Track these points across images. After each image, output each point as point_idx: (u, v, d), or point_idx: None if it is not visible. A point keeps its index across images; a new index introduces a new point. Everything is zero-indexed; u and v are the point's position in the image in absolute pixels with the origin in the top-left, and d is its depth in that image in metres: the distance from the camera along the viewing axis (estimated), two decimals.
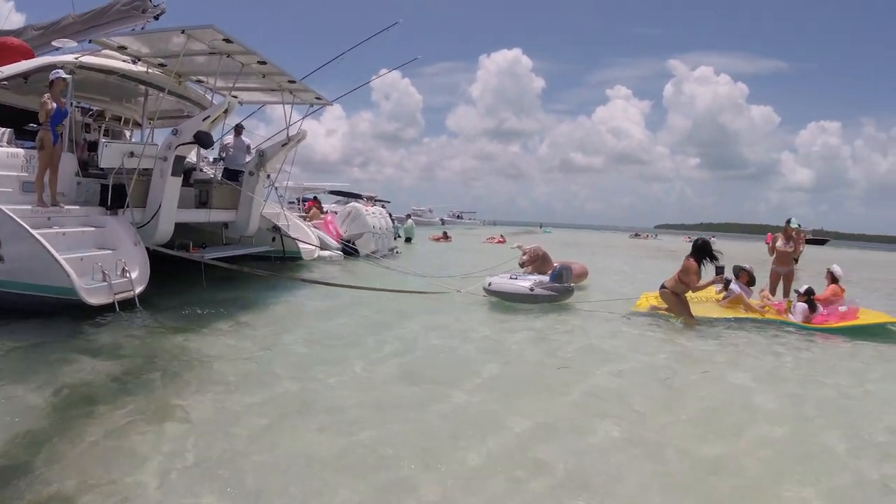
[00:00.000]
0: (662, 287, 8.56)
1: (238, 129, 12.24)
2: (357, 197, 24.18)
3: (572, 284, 10.13)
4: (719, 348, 7.05)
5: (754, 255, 21.59)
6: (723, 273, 8.46)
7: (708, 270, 8.26)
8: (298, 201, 25.15)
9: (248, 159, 12.07)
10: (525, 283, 9.54)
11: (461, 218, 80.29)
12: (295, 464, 3.34)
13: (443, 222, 62.29)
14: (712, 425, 4.33)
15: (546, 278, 9.73)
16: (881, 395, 5.40)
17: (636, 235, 67.62)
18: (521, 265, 11.07)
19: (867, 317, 8.69)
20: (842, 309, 8.91)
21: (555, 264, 10.55)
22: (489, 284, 9.76)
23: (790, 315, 8.89)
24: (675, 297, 8.32)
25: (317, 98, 12.25)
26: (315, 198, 25.73)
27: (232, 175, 11.61)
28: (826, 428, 4.35)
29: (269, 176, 12.36)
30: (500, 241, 30.56)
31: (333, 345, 6.28)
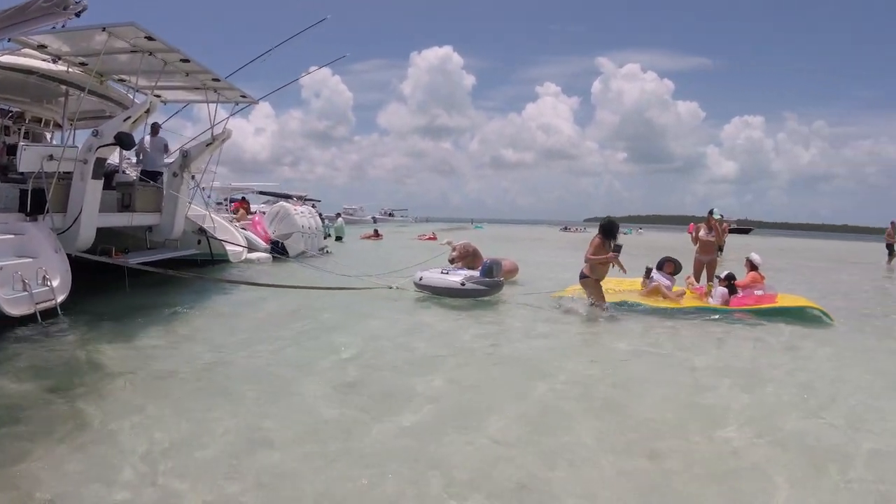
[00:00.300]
0: (582, 275, 8.80)
1: (155, 129, 11.82)
2: (286, 197, 23.90)
3: (502, 279, 10.20)
4: (638, 331, 7.65)
5: (680, 244, 22.42)
6: (618, 251, 8.69)
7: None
8: (226, 202, 24.57)
9: (166, 159, 11.79)
10: (456, 277, 9.64)
11: (393, 216, 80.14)
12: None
13: (374, 220, 62.11)
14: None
15: (476, 273, 9.80)
16: (801, 366, 6.09)
17: (565, 229, 68.67)
18: (451, 261, 11.03)
19: (785, 300, 9.24)
20: (758, 293, 9.42)
21: (485, 259, 10.54)
22: (420, 279, 9.81)
23: (710, 299, 9.44)
24: (593, 282, 8.60)
25: (242, 96, 12.10)
26: (243, 198, 25.26)
27: (150, 176, 11.25)
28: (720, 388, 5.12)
29: (193, 177, 12.07)
30: (431, 238, 30.71)
31: (261, 351, 6.03)
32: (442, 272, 9.98)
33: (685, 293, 9.79)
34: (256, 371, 5.27)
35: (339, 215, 31.47)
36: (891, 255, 23.29)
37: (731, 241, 27.03)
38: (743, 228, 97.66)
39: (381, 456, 3.50)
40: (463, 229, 53.46)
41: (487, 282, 9.64)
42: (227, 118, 12.43)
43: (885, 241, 24.00)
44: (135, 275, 8.93)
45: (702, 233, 11.14)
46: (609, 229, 8.55)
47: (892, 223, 23.52)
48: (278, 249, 14.75)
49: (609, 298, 9.26)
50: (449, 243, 12.10)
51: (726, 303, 9.19)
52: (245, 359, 5.70)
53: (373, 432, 3.87)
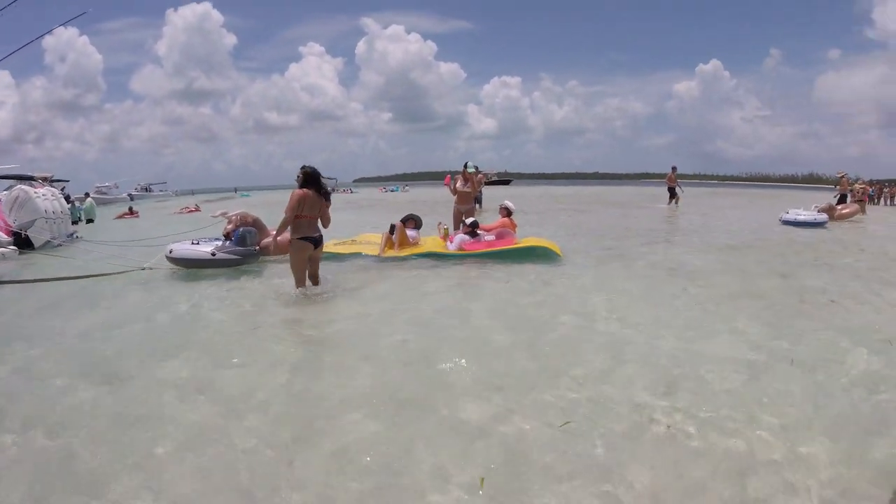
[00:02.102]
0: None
1: None
2: (30, 179, 21.80)
3: (256, 248, 9.90)
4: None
5: (442, 197, 23.26)
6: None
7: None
8: None
9: None
10: (207, 247, 9.40)
11: (150, 190, 74.88)
12: None
13: (131, 198, 57.93)
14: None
15: (228, 242, 9.56)
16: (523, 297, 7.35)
17: (332, 190, 69.91)
18: (227, 235, 9.91)
19: (523, 242, 10.21)
20: (488, 237, 10.47)
21: (240, 228, 9.91)
22: (171, 252, 9.43)
23: (449, 245, 10.36)
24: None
25: None
26: None
27: None
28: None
29: None
30: (194, 210, 29.70)
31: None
32: (192, 243, 9.66)
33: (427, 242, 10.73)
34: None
35: (87, 195, 29.43)
36: (672, 197, 26.07)
37: (494, 192, 30.15)
38: (504, 180, 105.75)
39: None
40: (228, 199, 51.75)
41: (240, 251, 9.49)
42: None
43: (666, 184, 26.70)
44: None
45: (458, 184, 12.09)
46: (312, 177, 7.46)
47: (673, 168, 26.39)
48: (21, 240, 13.40)
49: (347, 250, 10.37)
50: (223, 214, 11.04)
51: (461, 248, 10.05)
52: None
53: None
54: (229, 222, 10.40)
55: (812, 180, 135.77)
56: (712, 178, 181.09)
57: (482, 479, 3.06)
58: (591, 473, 3.12)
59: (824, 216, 17.28)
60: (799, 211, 17.76)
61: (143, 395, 4.30)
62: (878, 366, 4.64)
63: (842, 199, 22.84)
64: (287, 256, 7.95)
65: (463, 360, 4.81)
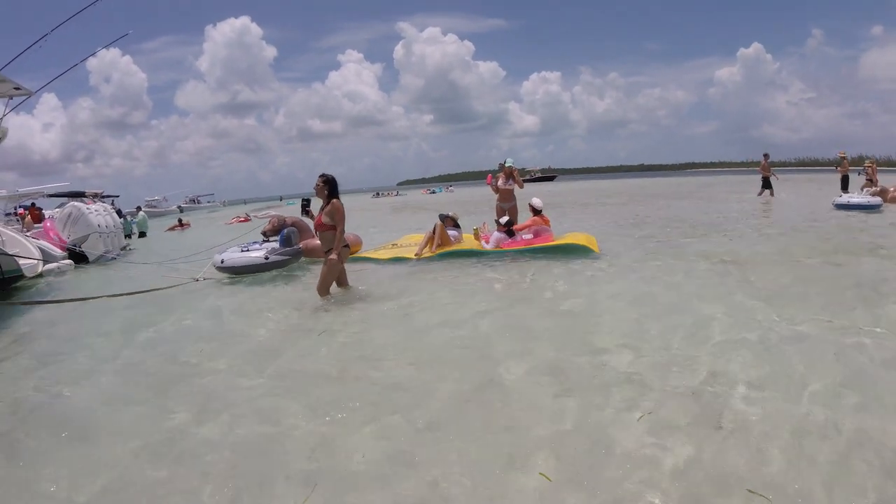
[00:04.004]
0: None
1: None
2: (82, 195, 22.17)
3: (301, 246, 10.09)
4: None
5: (484, 196, 23.20)
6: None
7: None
8: (16, 211, 22.36)
9: None
10: (258, 252, 9.45)
11: (199, 202, 76.48)
12: None
13: (181, 210, 59.23)
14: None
15: (276, 245, 9.74)
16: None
17: (377, 195, 70.55)
18: (264, 234, 10.54)
19: (562, 240, 10.15)
20: (526, 236, 10.37)
21: (284, 230, 10.13)
22: (221, 262, 9.49)
23: (485, 244, 10.36)
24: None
25: (15, 88, 10.85)
26: (33, 204, 22.98)
27: None
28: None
29: None
30: (244, 220, 29.37)
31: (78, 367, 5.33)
32: (242, 250, 9.71)
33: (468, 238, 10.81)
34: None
35: (139, 209, 30.00)
36: (765, 187, 23.53)
37: (539, 187, 29.83)
38: (548, 176, 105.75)
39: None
40: (273, 207, 52.39)
41: (289, 251, 9.67)
42: (3, 115, 11.19)
43: (760, 174, 24.24)
44: None
45: (500, 182, 11.89)
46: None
47: (765, 156, 23.90)
48: (76, 255, 13.72)
49: (385, 255, 10.37)
50: (265, 215, 11.49)
51: (499, 245, 10.13)
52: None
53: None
54: (269, 223, 10.79)
55: (861, 162, 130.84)
56: (760, 164, 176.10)
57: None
58: None
59: (878, 199, 16.53)
60: (852, 195, 17.06)
61: None
62: None
63: (844, 183, 22.10)
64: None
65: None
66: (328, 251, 7.22)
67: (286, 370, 4.84)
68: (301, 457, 3.29)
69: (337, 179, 7.21)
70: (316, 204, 7.85)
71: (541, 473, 2.92)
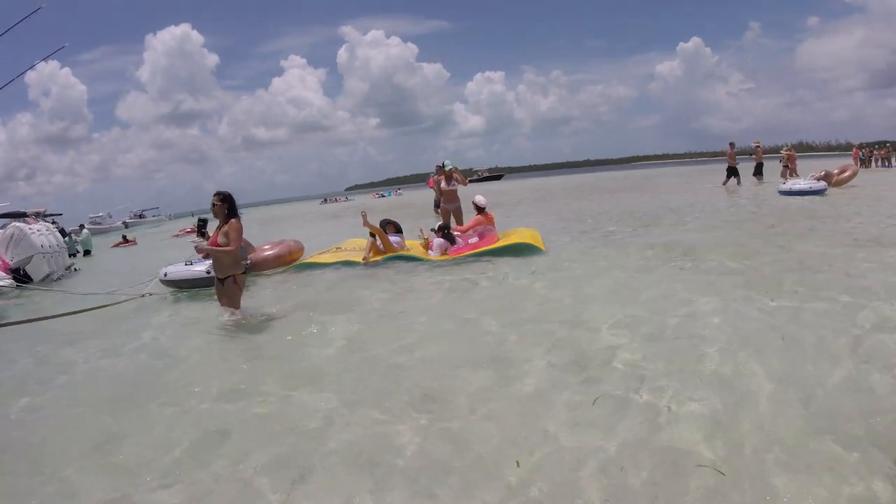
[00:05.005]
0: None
1: None
2: (23, 216, 21.59)
3: (248, 261, 9.89)
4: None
5: (430, 199, 23.24)
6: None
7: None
8: None
9: None
10: (201, 266, 9.26)
11: (143, 216, 74.85)
12: None
13: (125, 226, 57.88)
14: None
15: None
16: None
17: (325, 201, 70.73)
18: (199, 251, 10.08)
19: (505, 240, 10.02)
20: (472, 240, 10.17)
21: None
22: (165, 275, 9.41)
23: (430, 252, 10.08)
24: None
25: None
26: None
27: None
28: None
29: None
30: (192, 231, 29.02)
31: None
32: (186, 264, 9.58)
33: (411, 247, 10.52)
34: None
35: (83, 227, 29.31)
36: (731, 175, 23.31)
37: (486, 186, 30.10)
38: (495, 175, 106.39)
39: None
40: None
41: None
42: None
43: (727, 162, 23.90)
44: None
45: (443, 185, 11.97)
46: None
47: (731, 144, 23.71)
48: (20, 277, 13.25)
49: (331, 259, 10.28)
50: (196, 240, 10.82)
51: (445, 251, 9.85)
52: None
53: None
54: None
55: (802, 148, 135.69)
56: (702, 154, 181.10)
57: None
58: None
59: (822, 184, 17.18)
60: (797, 180, 17.75)
61: None
62: None
63: (757, 169, 23.41)
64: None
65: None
66: (227, 277, 6.76)
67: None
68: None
69: (234, 196, 6.74)
70: (213, 224, 7.51)
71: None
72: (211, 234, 7.05)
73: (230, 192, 6.73)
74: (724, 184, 23.55)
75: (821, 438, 3.10)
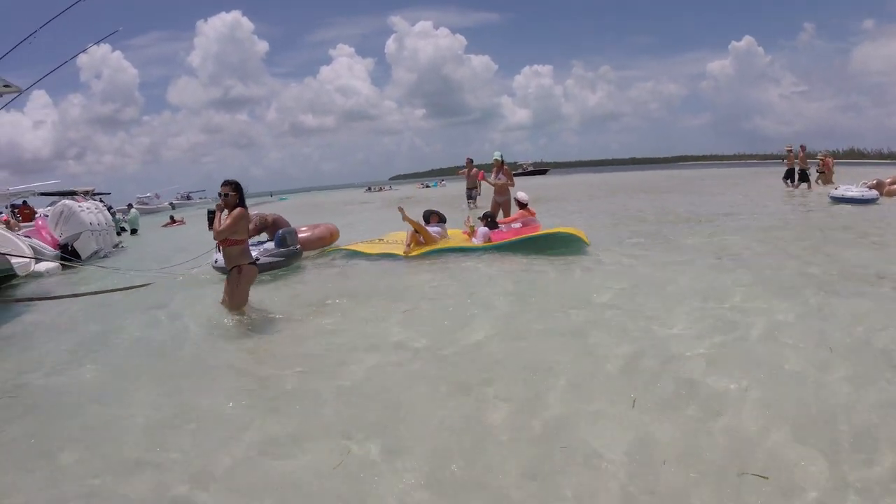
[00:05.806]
0: None
1: None
2: (73, 194, 21.93)
3: (298, 247, 9.99)
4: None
5: (484, 190, 23.19)
6: None
7: None
8: (7, 210, 22.08)
9: None
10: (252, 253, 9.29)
11: (191, 199, 75.88)
12: None
13: (173, 206, 58.80)
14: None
15: (272, 245, 9.57)
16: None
17: (368, 189, 70.58)
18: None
19: (552, 229, 9.84)
20: (515, 226, 10.33)
21: (278, 230, 9.93)
22: (216, 261, 9.23)
23: (474, 240, 10.11)
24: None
25: (5, 86, 10.90)
26: (24, 202, 23.09)
27: None
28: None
29: None
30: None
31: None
32: None
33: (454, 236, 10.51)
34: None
35: (130, 206, 29.84)
36: (792, 178, 22.77)
37: (531, 181, 29.77)
38: (540, 170, 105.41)
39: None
40: (264, 203, 51.59)
41: (283, 252, 9.51)
42: None
43: (786, 165, 23.39)
44: None
45: (492, 177, 12.04)
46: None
47: (802, 147, 22.95)
48: (68, 253, 13.41)
49: (372, 250, 10.20)
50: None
51: (488, 240, 9.88)
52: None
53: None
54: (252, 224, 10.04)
55: (854, 155, 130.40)
56: (753, 157, 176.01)
57: None
58: None
59: (874, 192, 16.48)
60: (849, 187, 17.01)
61: None
62: None
63: (788, 174, 22.73)
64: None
65: None
66: (233, 267, 6.57)
67: None
68: None
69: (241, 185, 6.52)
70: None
71: None
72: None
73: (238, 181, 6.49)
74: (797, 186, 22.54)
75: None
